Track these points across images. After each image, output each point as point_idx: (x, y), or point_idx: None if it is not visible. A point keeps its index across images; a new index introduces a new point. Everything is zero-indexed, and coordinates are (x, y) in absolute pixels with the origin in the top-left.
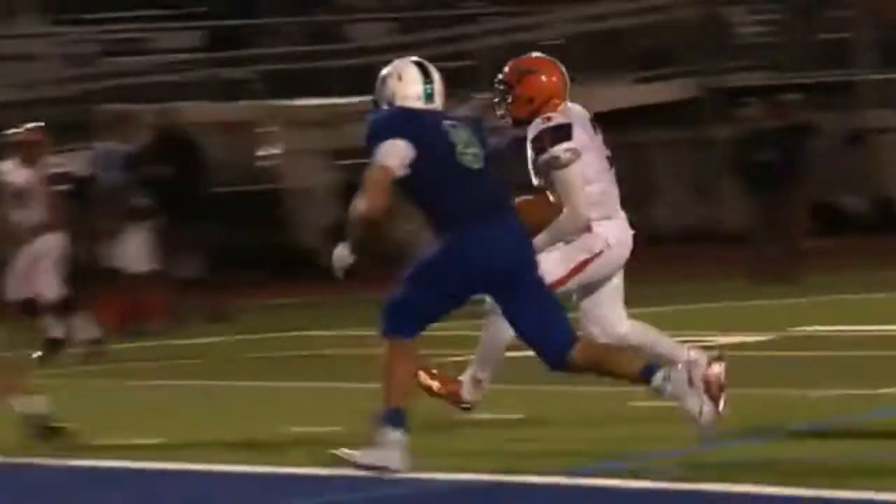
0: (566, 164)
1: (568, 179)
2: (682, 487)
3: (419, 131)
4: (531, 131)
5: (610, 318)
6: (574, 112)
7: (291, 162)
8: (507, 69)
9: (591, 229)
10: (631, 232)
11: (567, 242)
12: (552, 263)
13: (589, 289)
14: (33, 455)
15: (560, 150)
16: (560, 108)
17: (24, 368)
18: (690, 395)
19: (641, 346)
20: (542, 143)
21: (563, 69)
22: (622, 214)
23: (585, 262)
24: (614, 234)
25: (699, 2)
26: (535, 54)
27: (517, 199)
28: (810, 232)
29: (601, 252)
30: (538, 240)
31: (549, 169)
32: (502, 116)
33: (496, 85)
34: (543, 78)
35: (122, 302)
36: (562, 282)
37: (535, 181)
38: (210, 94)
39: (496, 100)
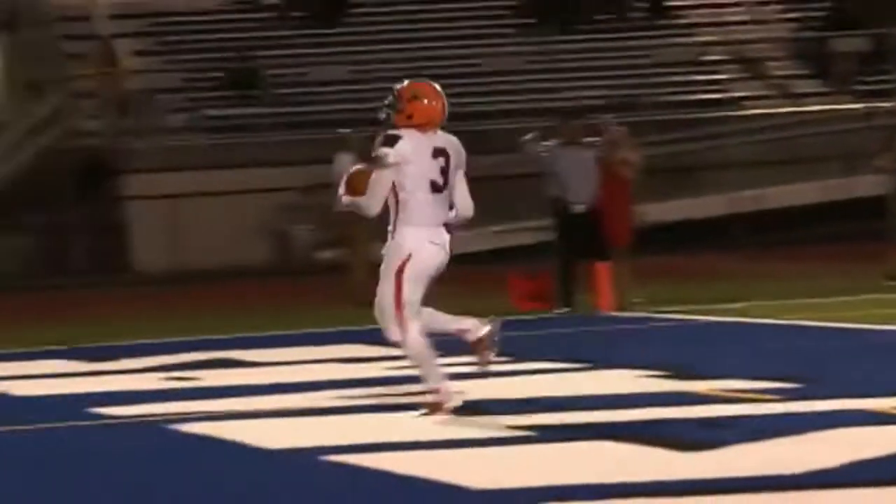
0: (381, 165)
1: (378, 176)
2: None
3: None
4: None
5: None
6: (429, 137)
7: None
8: (404, 86)
9: (392, 235)
10: (435, 242)
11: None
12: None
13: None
14: None
15: (381, 151)
16: (427, 130)
17: None
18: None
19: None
20: (376, 143)
21: (445, 102)
22: (437, 227)
23: (402, 266)
24: (412, 241)
25: None
26: (432, 83)
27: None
28: None
29: (409, 256)
30: (348, 199)
31: (373, 164)
32: (388, 117)
33: (392, 93)
34: (425, 103)
35: None
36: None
37: None
38: None
39: (386, 103)
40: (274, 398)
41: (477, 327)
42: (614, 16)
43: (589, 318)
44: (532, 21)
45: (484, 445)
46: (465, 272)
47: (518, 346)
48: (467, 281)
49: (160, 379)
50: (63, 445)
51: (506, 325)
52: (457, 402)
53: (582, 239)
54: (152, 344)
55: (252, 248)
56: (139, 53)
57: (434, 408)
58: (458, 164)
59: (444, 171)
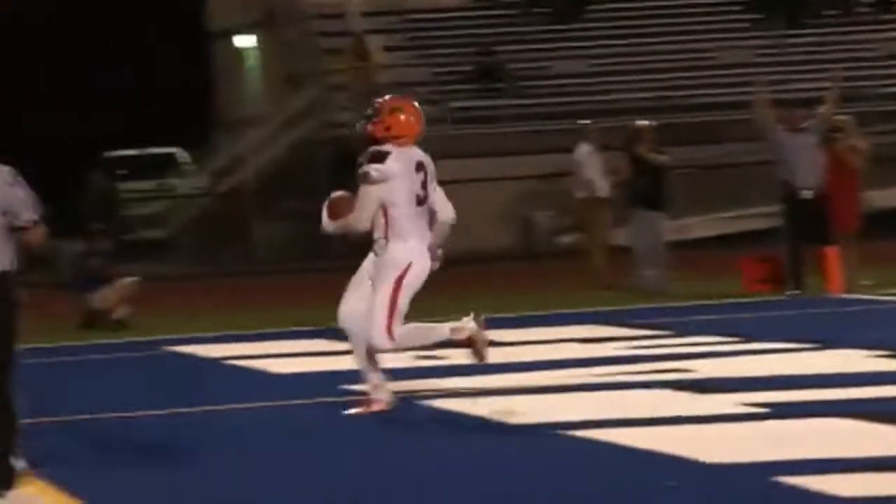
0: (369, 181)
1: (366, 192)
2: None
3: None
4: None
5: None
6: (410, 152)
7: None
8: (386, 99)
9: (384, 250)
10: (423, 254)
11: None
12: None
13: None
14: None
15: (370, 168)
16: (404, 144)
17: None
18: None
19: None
20: (364, 159)
21: (423, 118)
22: (422, 240)
23: (401, 277)
24: (407, 254)
25: None
26: (413, 101)
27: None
28: None
29: (408, 266)
30: (332, 224)
31: (360, 180)
32: (362, 128)
33: (372, 105)
34: (403, 118)
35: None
36: (395, 302)
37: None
38: None
39: (367, 113)
40: (516, 376)
41: (461, 327)
42: (840, 11)
43: (818, 301)
44: (760, 16)
45: (717, 421)
46: (693, 257)
47: (749, 327)
48: (697, 265)
49: (411, 358)
50: (317, 420)
51: (737, 308)
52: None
53: (809, 224)
54: None
55: (496, 234)
56: (390, 49)
57: (368, 405)
58: (433, 175)
59: (424, 185)
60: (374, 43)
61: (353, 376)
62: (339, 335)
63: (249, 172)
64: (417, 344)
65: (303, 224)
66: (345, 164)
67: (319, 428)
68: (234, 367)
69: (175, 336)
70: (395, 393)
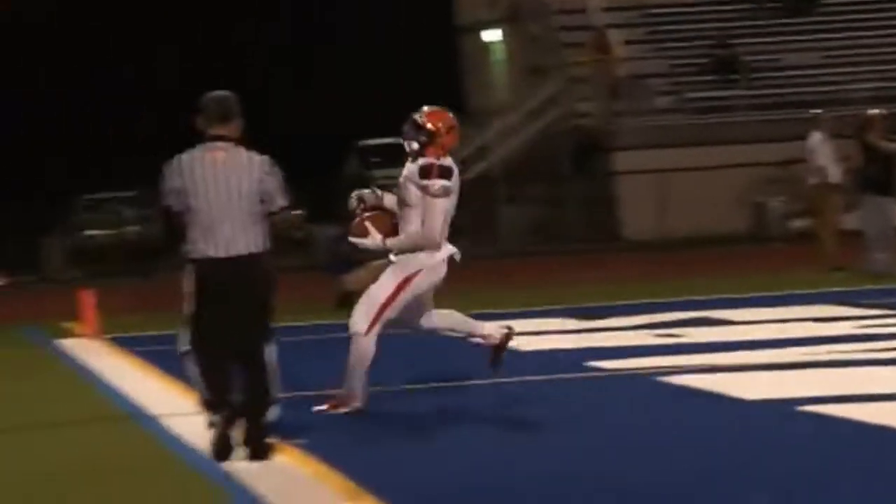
0: (438, 195)
1: (434, 206)
2: None
3: None
4: (421, 161)
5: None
6: (452, 164)
7: None
8: (443, 117)
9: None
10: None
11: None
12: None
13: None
14: None
15: (440, 183)
16: (446, 157)
17: None
18: None
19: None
20: (430, 172)
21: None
22: (448, 246)
23: (411, 277)
24: (431, 260)
25: None
26: (448, 111)
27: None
28: None
29: (420, 271)
30: (394, 242)
31: (425, 193)
32: (413, 150)
33: (418, 122)
34: (454, 135)
35: None
36: (395, 297)
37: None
38: None
39: (410, 131)
40: (751, 353)
41: (494, 332)
42: None
43: None
44: None
45: None
46: None
47: None
48: None
49: (649, 335)
50: (566, 395)
51: None
52: (354, 407)
53: None
54: (641, 304)
55: (730, 218)
56: (629, 42)
57: (335, 405)
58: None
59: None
60: (615, 37)
61: (599, 353)
62: (582, 314)
63: (496, 160)
64: (448, 327)
65: (546, 209)
66: (585, 152)
67: (563, 402)
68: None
69: None
70: (636, 370)
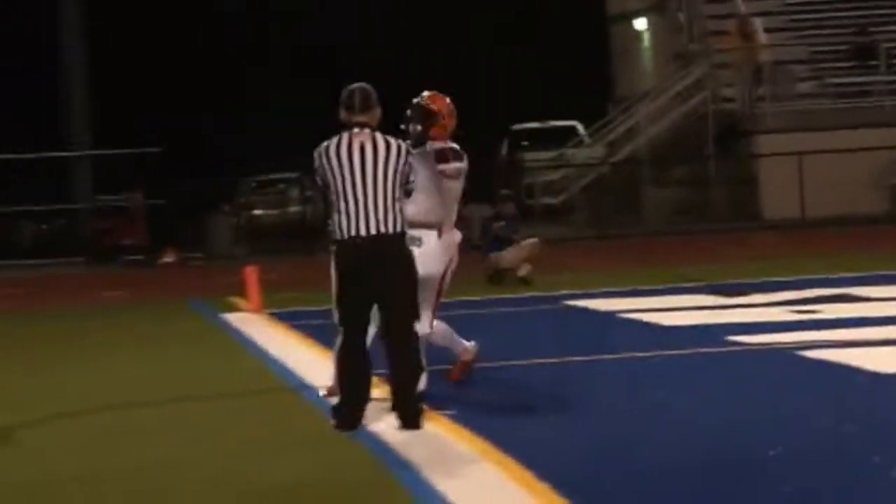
0: (454, 178)
1: (450, 188)
2: None
3: None
4: (432, 146)
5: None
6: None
7: None
8: (439, 100)
9: (441, 233)
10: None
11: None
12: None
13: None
14: None
15: (455, 165)
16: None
17: None
18: None
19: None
20: (446, 156)
21: None
22: (457, 232)
23: (445, 272)
24: (454, 246)
25: None
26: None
27: None
28: None
29: (451, 259)
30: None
31: (442, 177)
32: (417, 132)
33: (427, 110)
34: (455, 119)
35: None
36: (440, 295)
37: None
38: None
39: (413, 115)
40: (886, 329)
41: (469, 349)
42: None
43: None
44: None
45: None
46: None
47: None
48: None
49: (787, 312)
50: (705, 369)
51: None
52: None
53: None
54: (780, 282)
55: (868, 200)
56: (771, 30)
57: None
58: None
59: None
60: (757, 24)
61: (738, 328)
62: (721, 290)
63: (642, 143)
64: (440, 342)
65: (690, 189)
66: (729, 136)
67: (704, 375)
68: (627, 319)
69: (573, 291)
70: (776, 344)
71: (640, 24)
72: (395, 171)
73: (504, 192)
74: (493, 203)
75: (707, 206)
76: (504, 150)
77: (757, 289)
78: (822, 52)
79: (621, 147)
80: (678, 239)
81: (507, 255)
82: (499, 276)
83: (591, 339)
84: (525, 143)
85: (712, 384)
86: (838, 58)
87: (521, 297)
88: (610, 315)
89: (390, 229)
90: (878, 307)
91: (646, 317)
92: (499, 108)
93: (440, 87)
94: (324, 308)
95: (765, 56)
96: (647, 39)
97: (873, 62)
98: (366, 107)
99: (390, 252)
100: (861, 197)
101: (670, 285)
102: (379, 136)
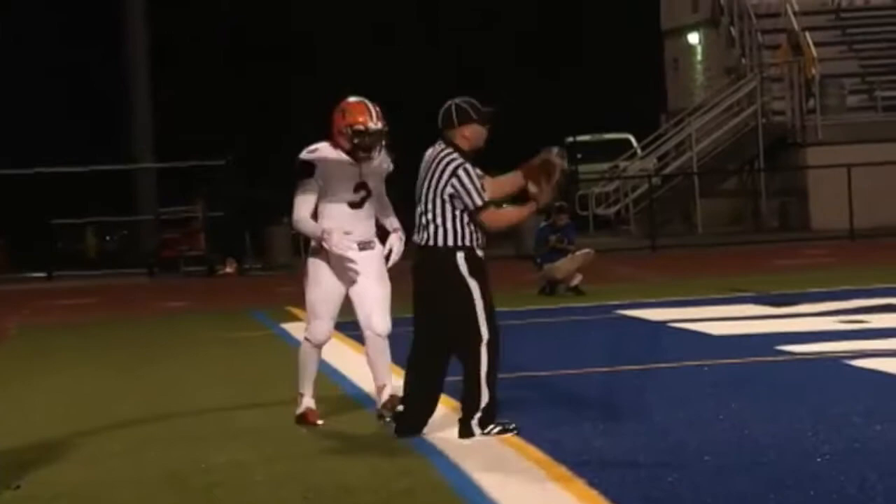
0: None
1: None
2: None
3: None
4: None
5: None
6: None
7: None
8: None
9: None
10: None
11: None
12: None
13: None
14: None
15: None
16: None
17: None
18: None
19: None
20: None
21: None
22: None
23: None
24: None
25: None
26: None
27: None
28: None
29: None
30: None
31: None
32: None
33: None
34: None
35: None
36: None
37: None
38: None
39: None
40: None
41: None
42: None
43: None
44: None
45: None
46: None
47: None
48: None
49: (836, 321)
50: (755, 377)
51: None
52: None
53: None
54: (828, 292)
55: None
56: (821, 44)
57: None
58: None
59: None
60: (808, 39)
61: (788, 338)
62: (773, 301)
63: (694, 155)
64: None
65: (741, 200)
66: (779, 148)
67: (753, 383)
68: (679, 329)
69: (625, 301)
70: (824, 353)
71: (693, 38)
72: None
73: (558, 203)
74: (548, 214)
75: (758, 216)
76: None
77: (805, 299)
78: (871, 66)
79: (673, 159)
80: (729, 249)
81: (561, 266)
82: (552, 287)
83: (642, 348)
84: (579, 155)
85: (762, 392)
86: (888, 71)
87: (575, 307)
88: (661, 325)
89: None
90: None
91: (697, 326)
92: (554, 122)
93: (498, 101)
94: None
95: (815, 69)
96: (699, 53)
97: None
98: (441, 122)
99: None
100: None
101: (721, 295)
102: (437, 148)
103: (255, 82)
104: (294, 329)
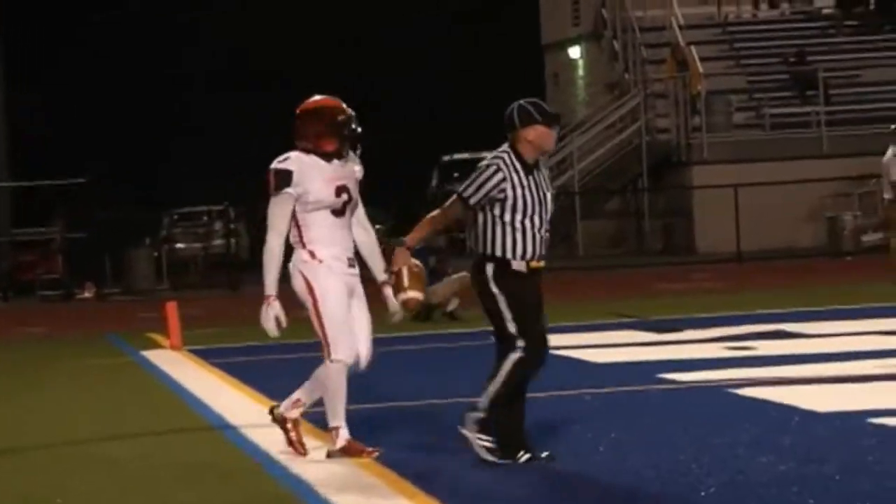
0: None
1: None
2: None
3: None
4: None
5: None
6: None
7: None
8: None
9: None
10: None
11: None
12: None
13: None
14: None
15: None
16: None
17: None
18: None
19: None
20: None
21: None
22: None
23: None
24: None
25: None
26: None
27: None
28: None
29: None
30: None
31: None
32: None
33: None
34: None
35: None
36: None
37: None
38: None
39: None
40: (822, 366)
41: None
42: None
43: None
44: None
45: None
46: None
47: None
48: None
49: (723, 348)
50: (637, 406)
51: None
52: None
53: None
54: (715, 317)
55: (804, 233)
56: (708, 59)
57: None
58: None
59: None
60: (694, 53)
61: (670, 366)
62: (657, 327)
63: (575, 174)
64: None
65: (624, 222)
66: (663, 167)
67: (634, 413)
68: (559, 356)
69: None
70: (709, 381)
71: (575, 52)
72: None
73: None
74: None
75: (641, 238)
76: (434, 181)
77: (691, 324)
78: (759, 82)
79: (554, 178)
80: (611, 273)
81: (437, 290)
82: (427, 312)
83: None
84: (456, 174)
85: (644, 422)
86: (776, 87)
87: (451, 333)
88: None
89: None
90: (813, 343)
91: (577, 353)
92: (429, 139)
93: (371, 116)
94: (246, 344)
95: (701, 86)
96: (581, 68)
97: (812, 92)
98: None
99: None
100: (798, 230)
101: (603, 321)
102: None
103: (120, 99)
104: (155, 356)
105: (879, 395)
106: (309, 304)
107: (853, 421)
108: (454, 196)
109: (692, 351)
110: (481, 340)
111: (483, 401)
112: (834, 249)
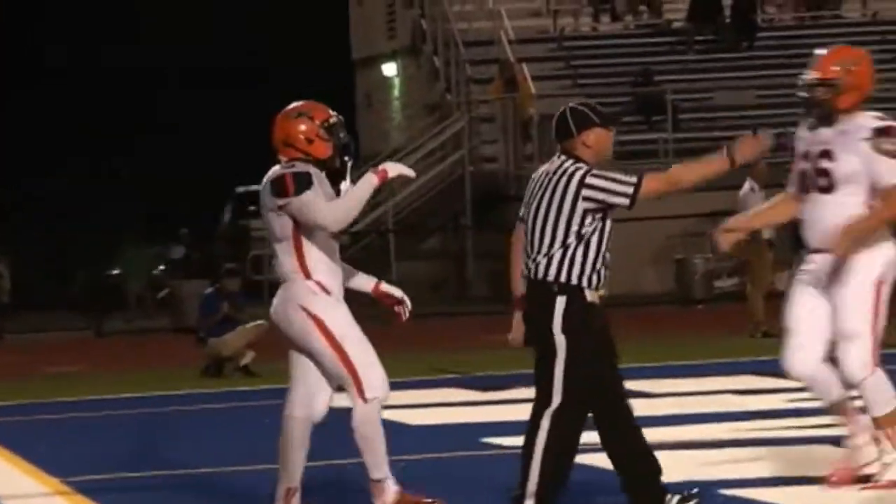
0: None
1: None
2: None
3: None
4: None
5: None
6: None
7: None
8: None
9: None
10: None
11: None
12: None
13: None
14: None
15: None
16: None
17: None
18: None
19: None
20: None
21: None
22: None
23: None
24: None
25: None
26: None
27: None
28: None
29: None
30: None
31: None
32: None
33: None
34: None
35: None
36: None
37: None
38: None
39: None
40: (671, 430)
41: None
42: None
43: None
44: None
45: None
46: None
47: None
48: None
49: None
50: (459, 473)
51: None
52: None
53: None
54: None
55: (649, 277)
56: (541, 78)
57: None
58: None
59: None
60: (525, 71)
61: (495, 429)
62: (480, 384)
63: (389, 209)
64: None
65: (444, 264)
66: (490, 201)
67: (457, 482)
68: None
69: None
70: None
71: (390, 69)
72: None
73: (228, 265)
74: (213, 278)
75: (464, 283)
76: (227, 216)
77: (518, 381)
78: (600, 104)
79: (366, 213)
80: (430, 322)
81: (229, 341)
82: (218, 366)
83: (324, 441)
84: (252, 207)
85: (464, 491)
86: (619, 111)
87: (244, 391)
88: (345, 412)
89: None
90: (658, 404)
91: (392, 414)
92: (221, 167)
93: (150, 143)
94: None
95: (533, 108)
96: (397, 87)
97: (659, 117)
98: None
99: None
100: (642, 274)
101: (420, 377)
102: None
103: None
104: None
105: (731, 464)
106: (320, 344)
107: (704, 492)
108: (627, 194)
109: (519, 412)
110: (279, 399)
111: (523, 481)
112: (683, 296)
